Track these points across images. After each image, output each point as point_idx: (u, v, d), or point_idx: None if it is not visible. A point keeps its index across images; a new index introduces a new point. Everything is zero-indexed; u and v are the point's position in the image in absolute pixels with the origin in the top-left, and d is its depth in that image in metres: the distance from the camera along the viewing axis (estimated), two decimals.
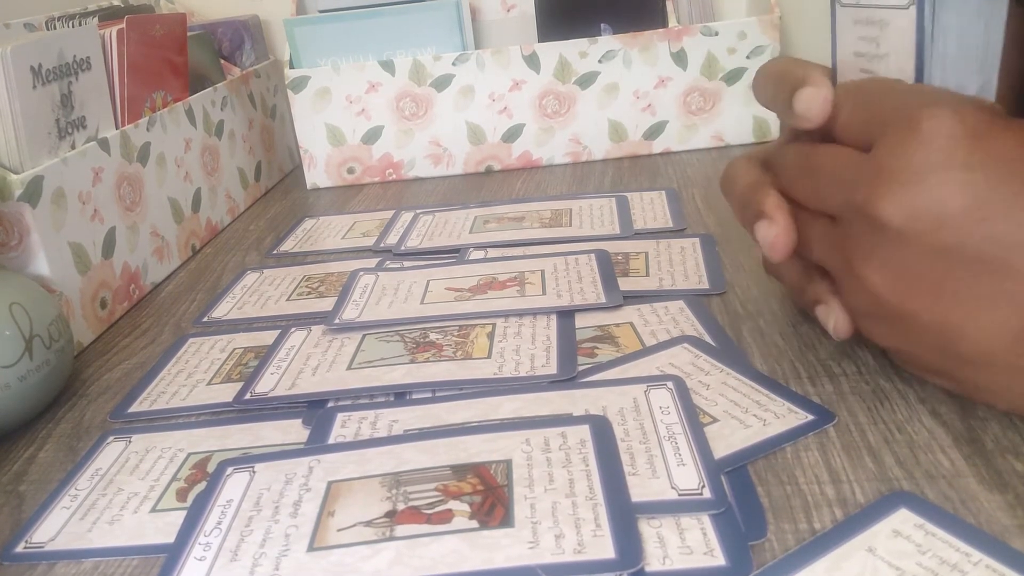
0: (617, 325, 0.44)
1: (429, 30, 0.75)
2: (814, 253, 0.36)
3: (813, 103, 0.34)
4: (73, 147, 0.52)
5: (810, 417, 0.35)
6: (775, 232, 0.35)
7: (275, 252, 0.63)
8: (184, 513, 0.33)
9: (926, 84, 0.33)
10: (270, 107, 0.84)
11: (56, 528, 0.34)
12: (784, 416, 0.35)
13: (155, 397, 0.43)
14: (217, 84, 0.73)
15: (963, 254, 0.29)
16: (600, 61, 0.74)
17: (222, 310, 0.53)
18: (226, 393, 0.42)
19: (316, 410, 0.39)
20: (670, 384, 0.38)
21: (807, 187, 0.35)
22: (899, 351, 0.34)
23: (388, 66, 0.74)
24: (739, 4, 0.79)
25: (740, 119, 0.75)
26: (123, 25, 0.58)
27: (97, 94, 0.55)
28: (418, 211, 0.67)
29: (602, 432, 0.34)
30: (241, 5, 0.90)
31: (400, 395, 0.40)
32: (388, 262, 0.57)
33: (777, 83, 0.36)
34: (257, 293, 0.55)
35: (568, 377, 0.39)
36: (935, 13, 0.31)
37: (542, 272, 0.51)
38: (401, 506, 0.31)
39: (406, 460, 0.34)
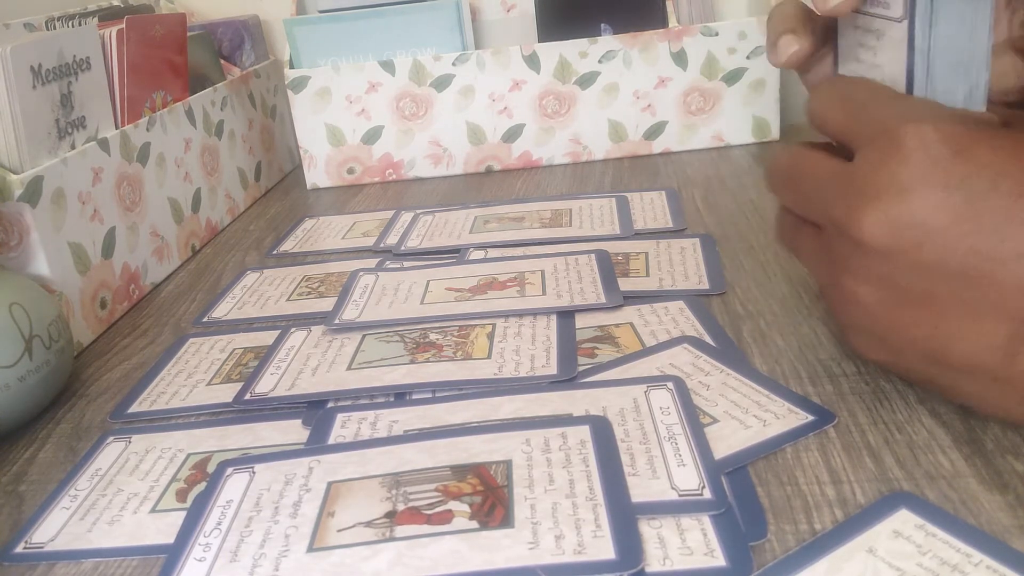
0: (617, 325, 0.44)
1: (429, 30, 0.75)
2: (804, 261, 0.36)
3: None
4: (73, 147, 0.52)
5: (810, 417, 0.35)
6: (797, 45, 0.37)
7: (275, 252, 0.63)
8: (184, 513, 0.33)
9: (915, 95, 0.33)
10: (270, 107, 0.84)
11: (56, 528, 0.34)
12: (784, 416, 0.35)
13: (155, 397, 0.43)
14: (217, 84, 0.73)
15: (946, 269, 0.29)
16: (600, 61, 0.74)
17: (222, 310, 0.53)
18: (226, 393, 0.42)
19: (316, 410, 0.39)
20: (670, 384, 0.38)
21: (794, 194, 0.35)
22: (890, 364, 0.34)
23: (388, 66, 0.74)
24: (739, 4, 0.79)
25: (740, 119, 0.75)
26: (123, 25, 0.58)
27: (97, 94, 0.55)
28: (418, 211, 0.67)
29: (602, 432, 0.34)
30: (241, 5, 0.90)
31: (400, 395, 0.40)
32: (388, 262, 0.57)
33: (771, 24, 0.39)
34: (257, 293, 0.55)
35: (568, 377, 0.39)
36: (929, 27, 0.31)
37: (542, 272, 0.51)
38: (401, 506, 0.31)
39: (406, 460, 0.34)
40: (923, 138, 0.29)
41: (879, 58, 0.34)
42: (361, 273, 0.54)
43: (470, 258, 0.55)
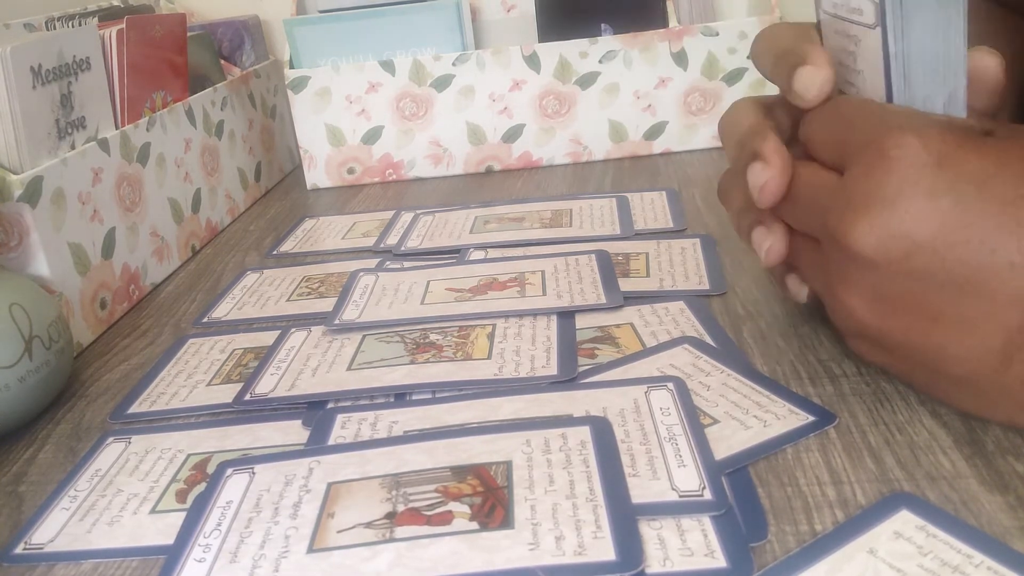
0: (617, 326, 0.44)
1: (429, 30, 0.75)
2: (801, 272, 0.36)
3: (812, 83, 0.34)
4: (73, 147, 0.52)
5: (811, 418, 0.35)
6: (768, 176, 0.34)
7: (275, 252, 0.63)
8: (184, 514, 0.33)
9: (895, 103, 0.33)
10: (270, 107, 0.84)
11: (55, 529, 0.34)
12: (785, 417, 0.35)
13: (155, 398, 0.43)
14: (217, 84, 0.73)
15: (936, 279, 0.29)
16: (600, 61, 0.74)
17: (222, 311, 0.53)
18: (226, 394, 0.42)
19: (316, 411, 0.39)
20: (670, 385, 0.37)
21: (789, 209, 0.35)
22: (890, 367, 0.34)
23: (388, 66, 0.74)
24: (739, 4, 0.79)
25: None
26: (123, 25, 0.58)
27: (97, 94, 0.55)
28: (418, 211, 0.67)
29: (602, 433, 0.34)
30: (241, 5, 0.90)
31: (400, 396, 0.40)
32: (388, 262, 0.57)
33: (777, 58, 0.36)
34: (257, 294, 0.55)
35: (568, 378, 0.39)
36: (902, 34, 0.31)
37: (542, 273, 0.51)
38: (401, 507, 0.31)
39: (406, 461, 0.34)
40: (907, 147, 0.29)
41: (859, 64, 0.34)
42: (361, 273, 0.54)
43: (470, 258, 0.55)
